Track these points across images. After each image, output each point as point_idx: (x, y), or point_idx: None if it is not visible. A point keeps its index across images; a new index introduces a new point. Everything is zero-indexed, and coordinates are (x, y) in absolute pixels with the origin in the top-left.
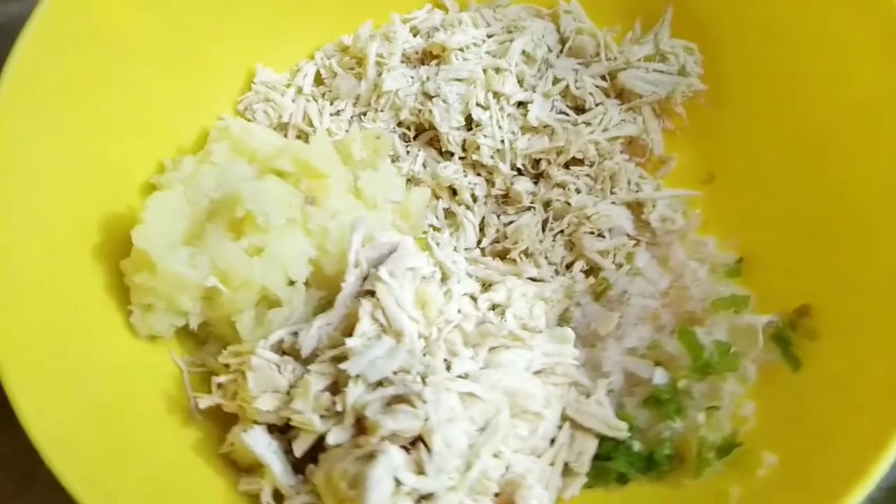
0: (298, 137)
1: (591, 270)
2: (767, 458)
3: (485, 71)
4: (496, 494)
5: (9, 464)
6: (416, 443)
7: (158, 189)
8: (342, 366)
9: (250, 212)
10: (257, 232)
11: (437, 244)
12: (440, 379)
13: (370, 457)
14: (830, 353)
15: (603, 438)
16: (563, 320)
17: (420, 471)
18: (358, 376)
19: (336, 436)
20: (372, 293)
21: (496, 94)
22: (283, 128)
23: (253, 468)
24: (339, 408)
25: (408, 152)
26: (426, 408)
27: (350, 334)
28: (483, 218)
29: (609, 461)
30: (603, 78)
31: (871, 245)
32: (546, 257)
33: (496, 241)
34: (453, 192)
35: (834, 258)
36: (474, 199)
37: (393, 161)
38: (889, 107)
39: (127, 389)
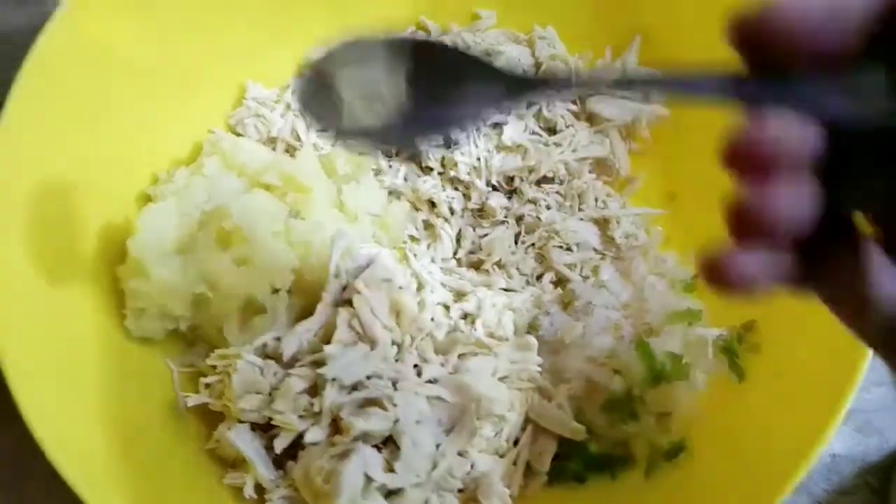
0: (286, 151)
1: (560, 282)
2: (711, 460)
3: None
4: (460, 490)
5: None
6: (387, 443)
7: (153, 200)
8: (320, 370)
9: (237, 225)
10: (244, 243)
11: (415, 255)
12: (410, 384)
13: (344, 455)
14: (770, 366)
15: (562, 440)
16: (531, 328)
17: (390, 468)
18: (334, 380)
19: (313, 435)
20: (350, 303)
21: None
22: (272, 141)
23: (237, 463)
24: (316, 409)
25: (390, 166)
26: (396, 410)
27: (329, 341)
28: (460, 230)
29: (567, 461)
30: (573, 102)
31: None
32: (518, 268)
33: (472, 252)
34: (432, 204)
35: None
36: (452, 212)
37: (376, 174)
38: None
39: (121, 388)
